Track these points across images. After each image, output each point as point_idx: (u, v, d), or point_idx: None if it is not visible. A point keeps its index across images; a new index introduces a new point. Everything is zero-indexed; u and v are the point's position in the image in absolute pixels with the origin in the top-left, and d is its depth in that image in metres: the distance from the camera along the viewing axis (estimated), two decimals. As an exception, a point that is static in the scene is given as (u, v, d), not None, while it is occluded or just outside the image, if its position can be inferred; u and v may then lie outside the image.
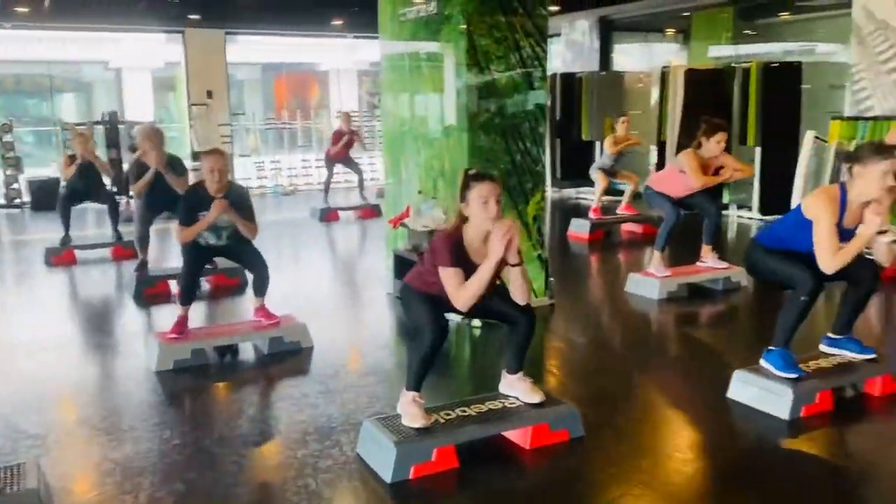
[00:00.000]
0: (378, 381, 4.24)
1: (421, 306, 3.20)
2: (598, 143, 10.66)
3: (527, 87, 5.27)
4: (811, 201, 3.56)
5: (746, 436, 3.57)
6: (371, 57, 15.82)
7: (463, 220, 3.17)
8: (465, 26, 4.96)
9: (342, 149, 10.35)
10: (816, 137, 8.11)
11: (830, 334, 3.96)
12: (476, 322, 5.07)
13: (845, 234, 3.49)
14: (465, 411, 3.29)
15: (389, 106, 6.13)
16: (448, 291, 3.12)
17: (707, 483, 3.13)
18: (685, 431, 3.63)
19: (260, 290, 4.73)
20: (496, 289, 3.26)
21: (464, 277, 3.10)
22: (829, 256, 3.45)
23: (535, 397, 3.35)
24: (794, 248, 3.64)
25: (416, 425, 3.12)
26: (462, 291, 3.09)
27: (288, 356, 4.62)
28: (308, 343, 4.75)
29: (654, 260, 5.99)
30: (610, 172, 8.84)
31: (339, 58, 19.84)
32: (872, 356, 3.85)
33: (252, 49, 17.83)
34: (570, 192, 12.08)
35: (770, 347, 3.74)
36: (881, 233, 3.41)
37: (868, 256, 3.68)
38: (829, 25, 9.42)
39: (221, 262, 5.74)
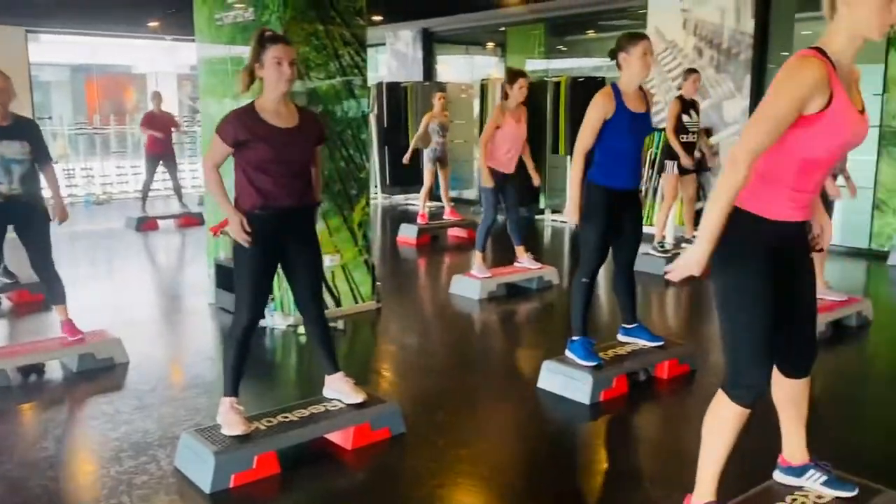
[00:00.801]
0: (199, 394, 4.15)
1: (243, 280, 3.20)
2: (424, 151, 10.93)
3: (348, 95, 5.36)
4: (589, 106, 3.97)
5: (553, 421, 3.87)
6: (192, 60, 15.22)
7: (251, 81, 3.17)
8: (282, 33, 4.96)
9: (160, 144, 9.62)
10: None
11: (624, 325, 4.36)
12: (301, 329, 5.09)
13: (637, 118, 3.93)
14: (286, 417, 3.31)
15: (210, 111, 5.98)
16: (206, 155, 3.23)
17: (518, 465, 3.36)
18: (500, 421, 3.85)
19: (54, 297, 4.47)
20: (310, 274, 3.35)
21: (223, 155, 3.17)
22: (580, 144, 3.90)
23: (357, 397, 3.44)
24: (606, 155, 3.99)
25: (236, 433, 3.11)
26: (208, 162, 3.18)
27: (100, 373, 4.40)
28: (123, 358, 4.54)
29: (475, 261, 6.28)
30: (440, 161, 9.04)
31: (157, 60, 18.92)
32: (661, 343, 4.29)
33: (59, 49, 16.59)
34: (399, 199, 12.30)
35: (572, 338, 4.07)
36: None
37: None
38: (629, 44, 10.25)
39: (26, 274, 5.34)
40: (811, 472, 2.60)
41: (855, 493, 2.53)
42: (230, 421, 3.14)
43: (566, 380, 3.98)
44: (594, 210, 3.96)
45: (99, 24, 12.61)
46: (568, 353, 4.09)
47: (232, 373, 3.22)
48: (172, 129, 9.94)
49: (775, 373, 2.47)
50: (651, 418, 3.97)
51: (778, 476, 2.67)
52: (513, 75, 5.97)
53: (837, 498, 2.55)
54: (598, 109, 3.86)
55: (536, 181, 6.31)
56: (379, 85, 11.92)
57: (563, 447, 3.58)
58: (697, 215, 7.26)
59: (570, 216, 3.99)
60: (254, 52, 3.13)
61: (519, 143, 6.08)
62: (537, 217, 10.43)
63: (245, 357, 3.26)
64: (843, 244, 7.97)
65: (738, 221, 2.20)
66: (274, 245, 3.23)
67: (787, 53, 8.48)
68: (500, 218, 6.45)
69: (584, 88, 9.79)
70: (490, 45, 13.20)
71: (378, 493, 3.06)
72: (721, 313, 2.36)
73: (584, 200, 3.96)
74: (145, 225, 9.73)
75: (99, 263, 7.96)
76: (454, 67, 13.62)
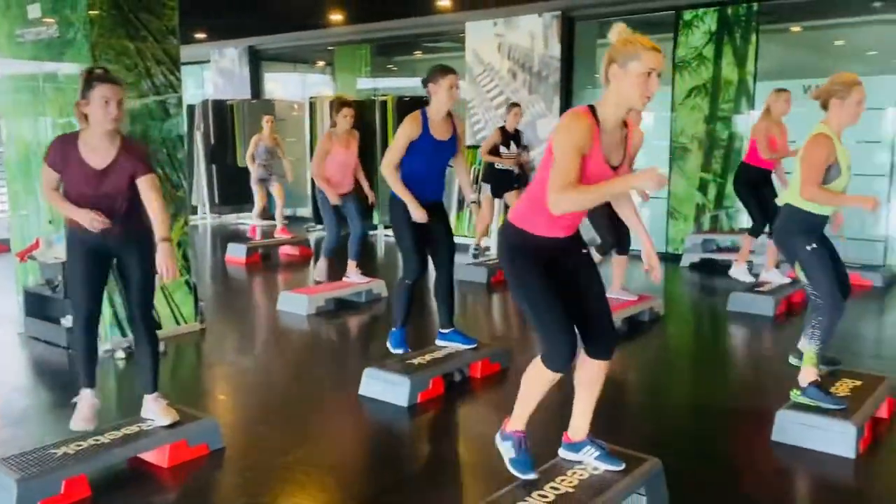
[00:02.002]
0: (6, 425, 3.95)
1: (75, 278, 3.39)
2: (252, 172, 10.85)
3: (162, 114, 5.29)
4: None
5: (373, 424, 4.05)
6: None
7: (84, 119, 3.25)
8: (89, 52, 4.85)
9: None
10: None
11: (441, 329, 4.64)
12: (119, 354, 4.97)
13: (440, 145, 4.28)
14: (97, 439, 3.27)
15: (13, 131, 5.68)
16: (42, 182, 3.33)
17: (338, 469, 3.49)
18: (321, 429, 3.97)
19: None
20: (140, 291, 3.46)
21: (54, 179, 3.30)
22: (387, 160, 4.21)
23: (167, 418, 3.44)
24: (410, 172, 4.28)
25: (82, 428, 3.31)
26: (45, 187, 3.31)
27: None
28: (-85, 395, 4.23)
29: (315, 266, 6.66)
30: (266, 182, 9.01)
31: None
32: (474, 345, 4.60)
33: None
34: (230, 218, 12.09)
35: (392, 329, 4.47)
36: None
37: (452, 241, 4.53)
38: (453, 66, 10.72)
39: None
40: (587, 447, 2.95)
41: (622, 467, 2.89)
42: (81, 412, 3.38)
43: (386, 385, 4.18)
44: (401, 222, 4.31)
45: None
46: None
47: (81, 358, 3.46)
48: None
49: (582, 355, 2.84)
50: (465, 413, 4.25)
51: (561, 452, 3.00)
52: (338, 105, 6.33)
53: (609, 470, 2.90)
54: (406, 131, 4.20)
55: (371, 198, 6.62)
56: (204, 103, 11.70)
57: (381, 447, 3.77)
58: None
59: (416, 214, 4.24)
60: (81, 89, 3.18)
61: (349, 167, 6.45)
62: (371, 233, 10.64)
63: (93, 349, 3.46)
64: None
65: (514, 234, 2.78)
66: (96, 258, 3.38)
67: (591, 76, 9.28)
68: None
69: (411, 107, 10.07)
70: (318, 63, 13.31)
71: (194, 506, 3.09)
72: (520, 302, 2.81)
73: (392, 212, 4.33)
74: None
75: None
76: (283, 85, 13.60)
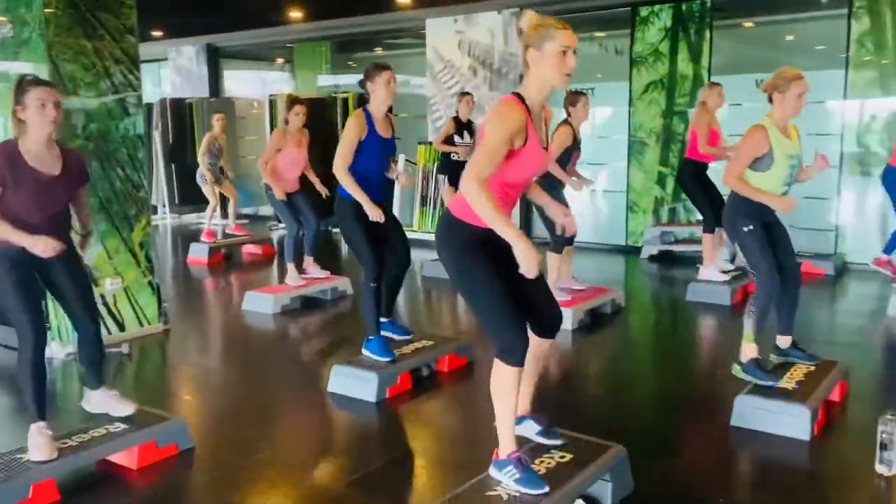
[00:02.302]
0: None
1: (13, 297, 3.10)
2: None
3: (122, 114, 5.24)
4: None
5: (342, 420, 4.09)
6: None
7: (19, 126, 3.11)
8: (45, 51, 4.78)
9: None
10: (407, 160, 9.28)
11: (383, 318, 4.55)
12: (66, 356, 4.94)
13: (385, 143, 4.29)
14: (65, 443, 3.24)
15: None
16: None
17: (308, 464, 3.52)
18: (290, 427, 4.00)
19: None
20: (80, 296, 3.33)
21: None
22: (340, 162, 4.14)
23: (125, 409, 3.44)
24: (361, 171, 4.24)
25: (41, 458, 3.06)
26: None
27: None
28: None
29: (288, 271, 6.48)
30: (220, 180, 8.89)
31: None
32: (409, 336, 4.64)
33: None
34: (191, 218, 11.96)
35: (368, 337, 4.35)
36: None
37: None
38: (414, 62, 10.79)
39: None
40: (528, 422, 3.04)
41: (559, 441, 3.00)
42: (37, 444, 3.10)
43: (354, 381, 4.21)
44: (352, 222, 4.28)
45: None
46: (365, 351, 4.37)
47: (30, 388, 3.14)
48: None
49: (529, 333, 2.83)
50: (434, 407, 4.30)
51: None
52: (290, 102, 6.36)
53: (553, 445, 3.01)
54: (354, 131, 4.17)
55: (323, 191, 6.53)
56: (162, 101, 11.56)
57: (351, 443, 3.80)
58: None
59: (373, 214, 4.23)
60: (14, 96, 3.09)
61: (299, 165, 6.47)
62: (334, 230, 10.63)
63: (44, 374, 3.18)
64: (604, 242, 8.95)
65: (454, 227, 2.73)
66: (29, 270, 3.17)
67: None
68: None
69: (371, 104, 10.16)
70: (278, 60, 13.23)
71: (165, 506, 3.10)
72: (465, 298, 2.79)
73: (341, 213, 4.31)
74: None
75: None
76: (243, 83, 13.48)
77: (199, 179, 8.89)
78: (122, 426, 3.42)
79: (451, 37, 9.54)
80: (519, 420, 2.96)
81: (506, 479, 2.76)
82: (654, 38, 8.47)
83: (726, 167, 3.86)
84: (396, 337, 4.61)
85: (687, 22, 8.30)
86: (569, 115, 5.59)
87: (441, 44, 9.68)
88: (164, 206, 11.75)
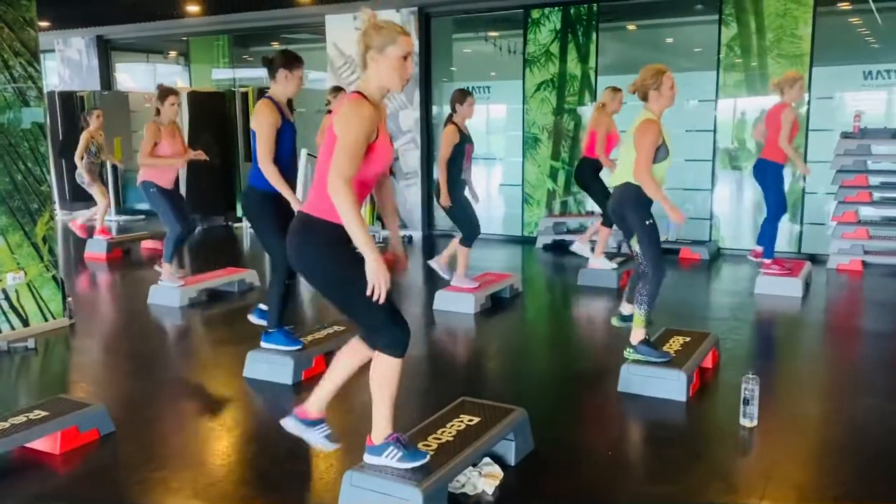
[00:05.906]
0: None
1: None
2: (108, 164, 10.48)
3: (22, 106, 5.18)
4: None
5: (258, 402, 4.25)
6: None
7: None
8: (-60, 41, 4.69)
9: None
10: (309, 154, 9.39)
11: (268, 329, 4.55)
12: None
13: (294, 131, 4.32)
14: (-15, 431, 3.29)
15: None
16: None
17: (224, 447, 3.68)
18: (209, 409, 4.12)
19: None
20: None
21: None
22: (265, 154, 4.13)
23: None
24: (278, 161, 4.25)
25: None
26: None
27: None
28: None
29: (163, 272, 6.32)
30: (93, 181, 8.69)
31: None
32: (300, 347, 4.56)
33: None
34: (84, 213, 11.57)
35: (268, 331, 4.48)
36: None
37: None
38: (316, 57, 10.85)
39: None
40: (390, 448, 2.88)
41: (425, 459, 2.87)
42: None
43: (270, 365, 4.38)
44: (267, 214, 4.29)
45: None
46: (265, 344, 4.46)
47: None
48: None
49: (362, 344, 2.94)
50: (346, 386, 4.48)
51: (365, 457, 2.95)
52: (163, 92, 6.06)
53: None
54: (270, 121, 4.16)
55: (201, 156, 6.50)
56: (51, 94, 11.17)
57: (269, 421, 3.95)
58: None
59: (296, 205, 4.22)
60: None
61: (178, 158, 6.22)
62: (236, 225, 10.60)
63: None
64: (503, 233, 9.39)
65: (320, 229, 2.71)
66: None
67: (448, 70, 9.72)
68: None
69: (272, 99, 10.19)
70: (172, 53, 12.97)
71: (88, 487, 3.19)
72: (338, 299, 2.82)
73: (255, 206, 4.34)
74: None
75: None
76: (136, 76, 13.14)
77: (77, 179, 8.70)
78: (42, 414, 3.48)
79: (350, 33, 9.69)
80: (378, 449, 2.89)
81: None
82: (545, 40, 8.94)
83: (636, 163, 3.99)
84: (286, 349, 4.47)
85: (575, 24, 8.81)
86: (454, 111, 5.74)
87: (340, 40, 9.83)
88: (54, 202, 11.33)
